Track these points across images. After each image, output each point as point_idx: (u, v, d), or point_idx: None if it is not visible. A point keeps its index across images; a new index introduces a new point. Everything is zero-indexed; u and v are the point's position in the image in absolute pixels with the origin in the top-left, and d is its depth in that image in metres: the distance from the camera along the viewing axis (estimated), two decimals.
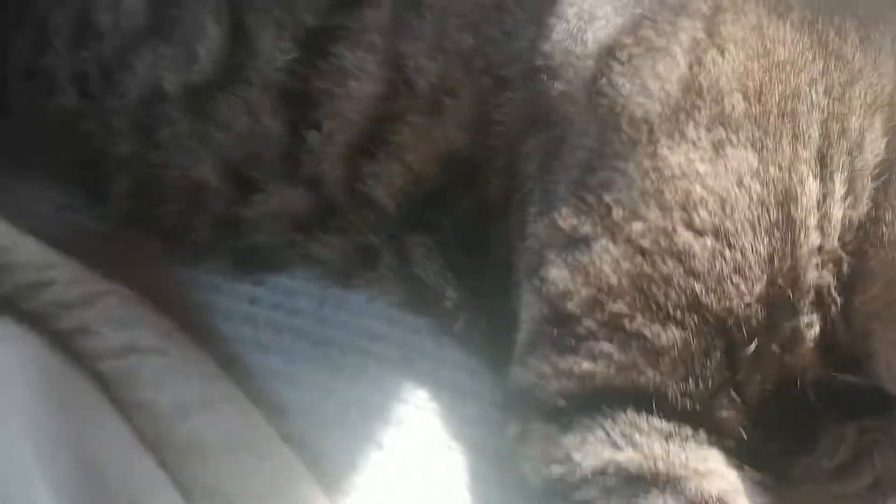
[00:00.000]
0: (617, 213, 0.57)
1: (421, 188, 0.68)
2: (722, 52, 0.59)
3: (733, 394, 0.55)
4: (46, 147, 0.84)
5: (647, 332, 0.55)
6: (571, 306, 0.57)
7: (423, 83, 0.67)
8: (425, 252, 0.69)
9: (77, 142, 0.81)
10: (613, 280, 0.56)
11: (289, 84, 0.71)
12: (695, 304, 0.55)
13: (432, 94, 0.67)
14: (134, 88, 0.77)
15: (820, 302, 0.56)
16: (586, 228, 0.58)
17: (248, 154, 0.73)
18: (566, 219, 0.59)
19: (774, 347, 0.56)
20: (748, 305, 0.55)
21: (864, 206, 0.57)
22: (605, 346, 0.56)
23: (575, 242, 0.58)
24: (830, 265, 0.56)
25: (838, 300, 0.56)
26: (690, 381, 0.55)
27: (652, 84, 0.59)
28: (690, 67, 0.59)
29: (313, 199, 0.72)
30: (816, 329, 0.56)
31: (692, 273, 0.55)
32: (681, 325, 0.55)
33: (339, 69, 0.69)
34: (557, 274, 0.58)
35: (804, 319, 0.56)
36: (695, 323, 0.55)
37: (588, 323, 0.56)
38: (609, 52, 0.61)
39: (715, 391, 0.55)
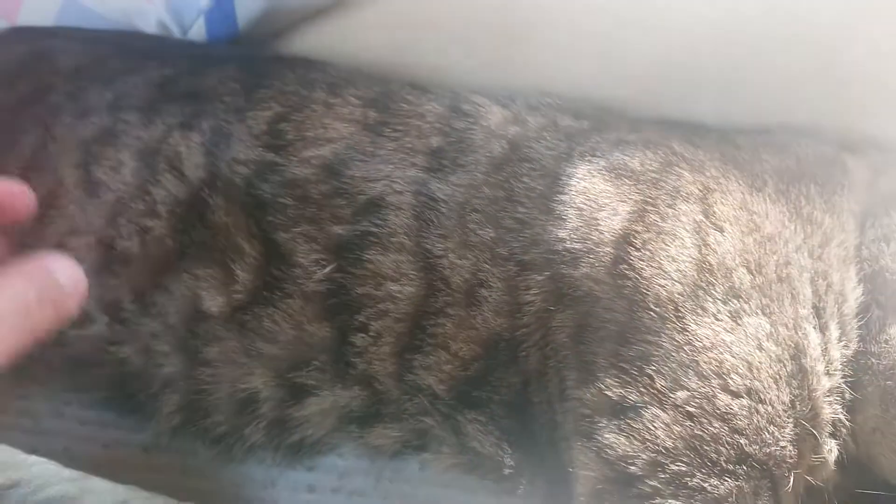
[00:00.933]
0: (660, 383, 0.66)
1: (468, 372, 0.73)
2: (721, 231, 0.69)
3: None
4: (67, 370, 0.82)
5: (707, 486, 0.63)
6: (634, 469, 0.65)
7: (458, 279, 0.73)
8: (480, 427, 0.74)
9: (110, 366, 0.80)
10: (669, 443, 0.65)
11: (330, 292, 0.74)
12: (742, 456, 0.64)
13: (468, 288, 0.72)
14: (173, 311, 0.77)
15: (835, 431, 0.68)
16: (634, 397, 0.66)
17: (298, 362, 0.75)
18: (613, 389, 0.67)
19: (807, 477, 0.66)
20: (783, 448, 0.65)
21: (854, 344, 0.69)
22: (671, 502, 0.64)
23: (625, 410, 0.66)
24: (838, 397, 0.68)
25: (847, 424, 0.68)
26: None
27: (669, 266, 0.68)
28: (699, 249, 0.68)
29: (367, 395, 0.75)
30: (836, 453, 0.67)
31: (736, 430, 0.64)
32: (733, 475, 0.64)
33: (376, 273, 0.73)
34: (615, 440, 0.66)
35: (825, 448, 0.67)
36: (744, 471, 0.64)
37: (652, 482, 0.64)
38: (625, 239, 0.70)
39: None
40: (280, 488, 0.80)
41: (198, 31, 0.93)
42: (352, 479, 0.80)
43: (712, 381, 0.65)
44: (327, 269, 0.74)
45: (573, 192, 0.74)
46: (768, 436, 0.65)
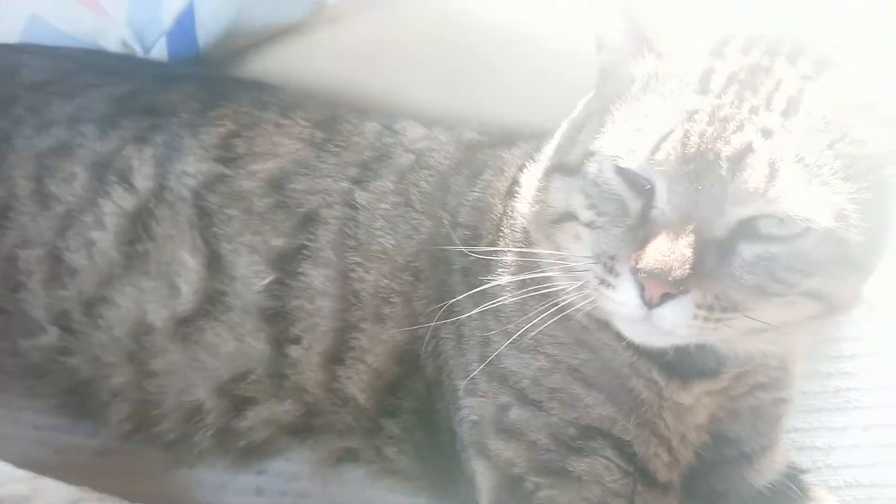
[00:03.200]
0: (512, 379, 0.72)
1: (383, 381, 0.78)
2: None
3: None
4: (21, 377, 0.85)
5: (568, 467, 0.70)
6: (518, 470, 0.71)
7: (365, 294, 0.78)
8: (396, 444, 0.79)
9: (61, 375, 0.83)
10: (533, 436, 0.71)
11: (268, 304, 0.78)
12: (582, 429, 0.71)
13: (374, 304, 0.78)
14: (119, 323, 0.80)
15: None
16: (503, 398, 0.72)
17: (238, 374, 0.79)
18: (488, 394, 0.73)
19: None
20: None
21: None
22: (551, 492, 0.70)
23: (501, 411, 0.72)
24: None
25: None
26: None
27: None
28: None
29: (299, 407, 0.80)
30: None
31: (566, 404, 0.71)
32: (582, 451, 0.70)
33: (308, 286, 0.78)
34: (500, 445, 0.72)
35: None
36: (586, 445, 0.70)
37: (533, 478, 0.71)
38: None
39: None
40: (229, 492, 0.83)
41: (159, 51, 0.97)
42: (299, 483, 0.83)
43: (534, 362, 0.71)
44: (266, 280, 0.79)
45: (460, 202, 0.79)
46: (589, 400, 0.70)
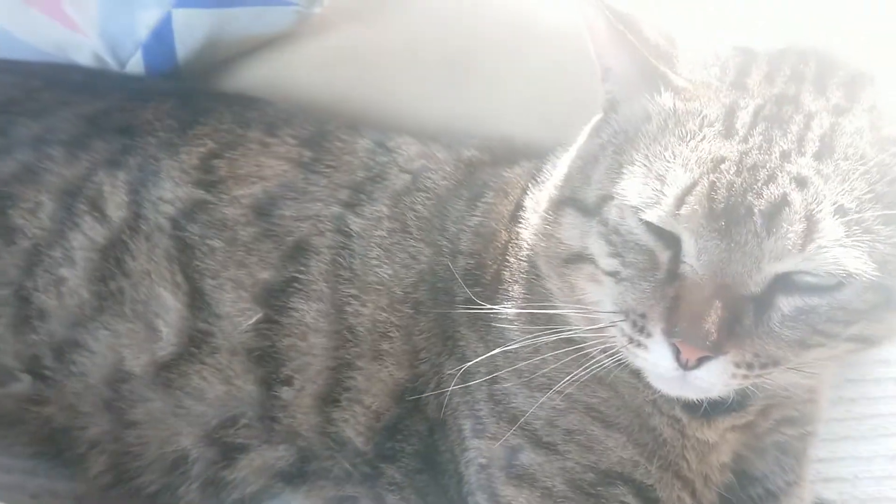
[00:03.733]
0: (523, 420, 0.66)
1: (382, 422, 0.72)
2: None
3: None
4: None
5: None
6: None
7: (361, 329, 0.72)
8: (397, 489, 0.73)
9: (35, 425, 0.76)
10: (548, 483, 0.66)
11: (256, 344, 0.72)
12: (600, 474, 0.66)
13: (371, 340, 0.72)
14: (94, 369, 0.74)
15: None
16: (514, 441, 0.67)
17: (226, 419, 0.73)
18: (497, 436, 0.68)
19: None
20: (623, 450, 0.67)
21: None
22: None
23: (512, 455, 0.67)
24: None
25: None
26: None
27: None
28: None
29: (293, 453, 0.74)
30: None
31: (584, 447, 0.66)
32: (601, 498, 0.65)
33: (299, 322, 0.72)
34: (511, 493, 0.67)
35: None
36: (606, 491, 0.66)
37: None
38: None
39: None
40: None
41: (136, 65, 0.90)
42: None
43: (547, 401, 0.66)
44: (254, 319, 0.72)
45: (462, 226, 0.75)
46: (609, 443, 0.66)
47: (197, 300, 0.73)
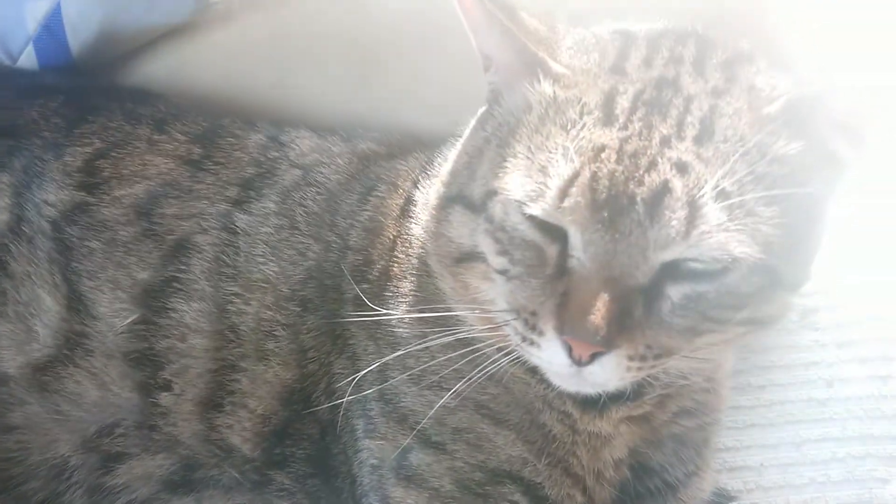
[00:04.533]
0: (413, 419, 0.66)
1: (270, 427, 0.71)
2: None
3: None
4: None
5: None
6: None
7: (245, 328, 0.70)
8: (287, 494, 0.72)
9: None
10: (436, 483, 0.65)
11: (133, 347, 0.71)
12: (490, 473, 0.65)
13: (256, 340, 0.70)
14: None
15: None
16: (402, 440, 0.66)
17: (105, 427, 0.72)
18: (388, 436, 0.67)
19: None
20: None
21: None
22: None
23: (402, 455, 0.66)
24: None
25: None
26: None
27: None
28: None
29: (175, 461, 0.72)
30: None
31: (473, 446, 0.65)
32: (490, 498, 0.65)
33: (178, 323, 0.71)
34: (401, 493, 0.66)
35: None
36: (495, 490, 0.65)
37: None
38: None
39: None
40: None
41: (28, 59, 0.87)
42: None
43: (437, 400, 0.64)
44: (129, 320, 0.71)
45: (350, 223, 0.73)
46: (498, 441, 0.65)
47: (74, 302, 0.71)
